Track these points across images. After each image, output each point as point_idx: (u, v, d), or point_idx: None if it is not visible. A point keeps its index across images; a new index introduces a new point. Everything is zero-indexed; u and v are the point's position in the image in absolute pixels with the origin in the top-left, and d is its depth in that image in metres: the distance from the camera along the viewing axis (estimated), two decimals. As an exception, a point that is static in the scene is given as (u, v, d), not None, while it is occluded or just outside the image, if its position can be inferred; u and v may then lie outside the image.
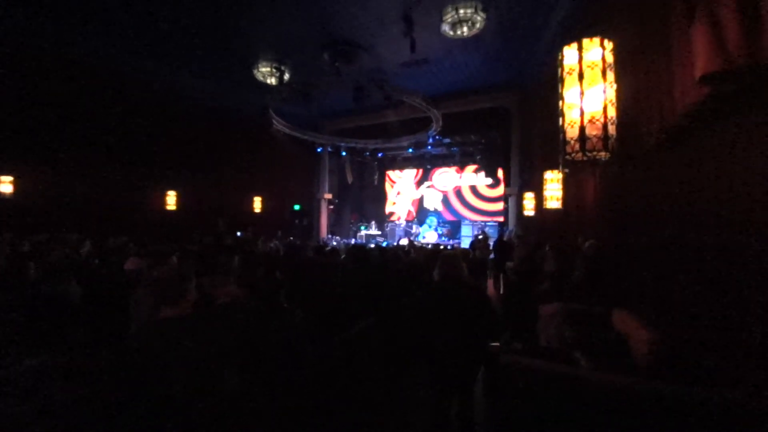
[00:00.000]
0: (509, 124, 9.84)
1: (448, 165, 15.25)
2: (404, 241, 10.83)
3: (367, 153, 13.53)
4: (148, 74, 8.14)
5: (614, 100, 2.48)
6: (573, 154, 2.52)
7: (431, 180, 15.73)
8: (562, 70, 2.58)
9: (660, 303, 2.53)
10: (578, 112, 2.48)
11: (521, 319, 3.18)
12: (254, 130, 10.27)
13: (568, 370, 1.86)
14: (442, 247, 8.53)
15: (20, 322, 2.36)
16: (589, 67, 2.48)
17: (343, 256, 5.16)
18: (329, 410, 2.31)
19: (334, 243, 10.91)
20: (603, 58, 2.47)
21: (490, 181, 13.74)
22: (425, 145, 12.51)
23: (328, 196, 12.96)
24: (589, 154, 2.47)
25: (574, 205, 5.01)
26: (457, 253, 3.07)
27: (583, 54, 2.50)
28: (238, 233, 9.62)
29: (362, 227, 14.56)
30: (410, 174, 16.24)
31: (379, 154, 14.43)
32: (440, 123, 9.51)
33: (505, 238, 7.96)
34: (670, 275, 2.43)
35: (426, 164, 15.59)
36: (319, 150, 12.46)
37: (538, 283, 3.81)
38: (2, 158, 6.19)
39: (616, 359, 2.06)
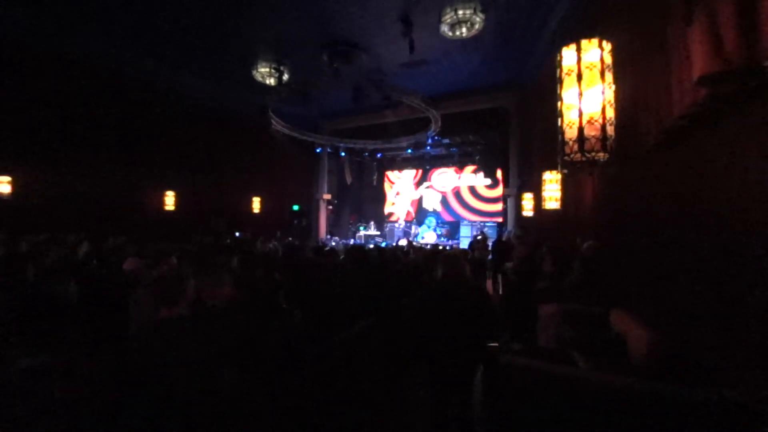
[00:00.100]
0: (508, 125, 9.84)
1: (447, 165, 15.29)
2: (403, 242, 10.82)
3: (366, 153, 13.56)
4: (148, 74, 8.13)
5: (613, 100, 2.49)
6: (572, 155, 2.53)
7: (430, 180, 15.75)
8: (561, 70, 2.59)
9: (659, 303, 2.53)
10: (577, 113, 2.49)
11: (520, 320, 3.18)
12: (253, 130, 10.26)
13: (567, 370, 1.86)
14: (441, 247, 8.53)
15: (19, 322, 2.36)
16: (587, 68, 2.49)
17: (342, 257, 5.15)
18: (329, 410, 2.31)
19: (333, 243, 10.89)
20: (601, 59, 2.48)
21: (488, 181, 13.74)
22: (424, 145, 12.54)
23: (327, 196, 12.94)
24: (587, 155, 2.48)
25: (572, 205, 5.02)
26: (459, 253, 3.08)
27: (582, 55, 2.51)
28: (237, 233, 9.61)
29: (361, 228, 14.55)
30: (409, 174, 16.25)
31: (378, 155, 14.46)
32: (439, 123, 9.52)
33: (503, 239, 7.97)
34: (669, 275, 2.43)
35: (425, 165, 15.62)
36: (318, 150, 12.45)
37: (537, 283, 3.81)
38: (1, 158, 6.17)
39: (615, 359, 2.07)
